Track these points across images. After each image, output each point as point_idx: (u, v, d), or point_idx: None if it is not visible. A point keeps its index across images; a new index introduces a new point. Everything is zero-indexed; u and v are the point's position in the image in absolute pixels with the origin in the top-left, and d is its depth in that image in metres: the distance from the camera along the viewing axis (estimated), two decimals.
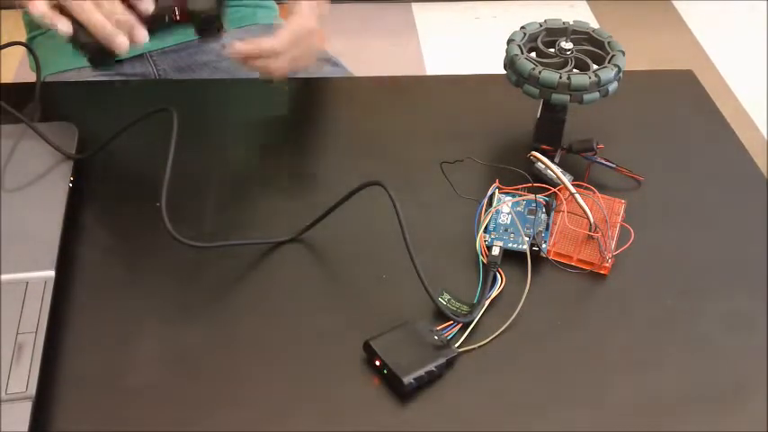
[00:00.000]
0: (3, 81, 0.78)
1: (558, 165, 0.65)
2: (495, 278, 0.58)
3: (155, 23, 0.64)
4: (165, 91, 0.82)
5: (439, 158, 0.68)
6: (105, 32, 0.61)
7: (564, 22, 0.70)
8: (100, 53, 0.62)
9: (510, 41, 0.69)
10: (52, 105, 0.73)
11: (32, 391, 0.49)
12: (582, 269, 0.60)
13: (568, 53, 0.67)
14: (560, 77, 0.64)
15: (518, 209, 0.63)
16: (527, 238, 0.60)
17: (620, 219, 0.63)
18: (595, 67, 0.66)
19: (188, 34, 0.85)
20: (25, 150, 0.66)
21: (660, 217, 0.66)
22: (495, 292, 0.57)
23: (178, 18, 0.65)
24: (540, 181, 0.65)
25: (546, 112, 0.69)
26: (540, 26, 0.70)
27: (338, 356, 0.54)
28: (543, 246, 0.60)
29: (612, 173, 0.68)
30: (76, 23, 0.61)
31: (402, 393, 0.51)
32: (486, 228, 0.61)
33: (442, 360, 0.52)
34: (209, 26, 0.67)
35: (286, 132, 0.74)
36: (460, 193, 0.66)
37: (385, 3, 2.34)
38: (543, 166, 0.65)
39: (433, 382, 0.52)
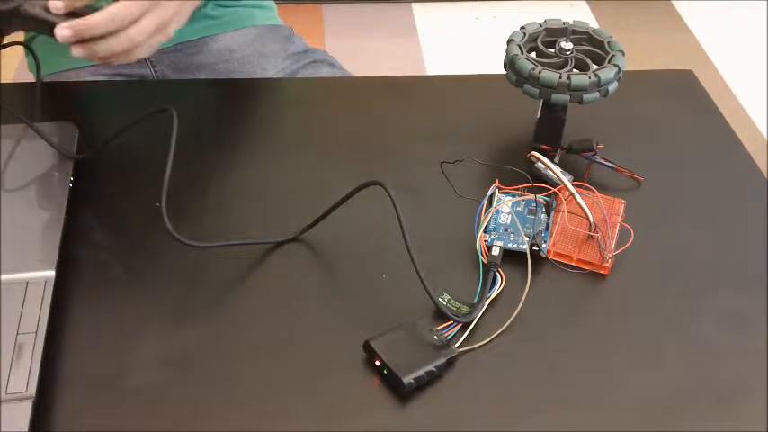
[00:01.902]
0: (3, 81, 0.78)
1: (558, 165, 0.65)
2: (495, 278, 0.58)
3: None
4: (165, 91, 0.82)
5: (439, 158, 0.68)
6: None
7: (564, 23, 0.70)
8: None
9: (510, 41, 0.69)
10: (52, 105, 0.73)
11: (32, 390, 0.49)
12: (582, 269, 0.60)
13: (568, 53, 0.67)
14: (560, 77, 0.64)
15: (518, 209, 0.63)
16: (527, 238, 0.60)
17: (619, 219, 0.63)
18: (595, 67, 0.67)
19: (184, 34, 0.85)
20: (25, 150, 0.66)
21: (660, 217, 0.66)
22: (495, 292, 0.58)
23: None
24: (540, 181, 0.65)
25: (546, 112, 0.69)
26: (540, 26, 0.70)
27: (338, 356, 0.54)
28: (543, 246, 0.60)
29: (612, 173, 0.68)
30: None
31: (402, 393, 0.51)
32: (486, 228, 0.61)
33: (441, 360, 0.53)
34: None
35: (286, 132, 0.74)
36: (460, 193, 0.66)
37: (385, 3, 2.34)
38: (543, 166, 0.65)
39: (433, 382, 0.52)
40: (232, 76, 0.93)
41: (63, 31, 0.59)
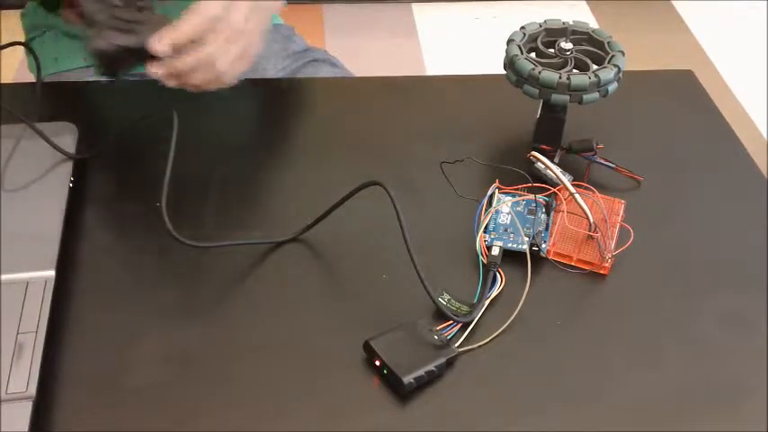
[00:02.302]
0: (3, 81, 0.78)
1: (558, 165, 0.65)
2: (494, 278, 0.58)
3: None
4: (165, 91, 0.82)
5: (439, 158, 0.68)
6: None
7: (563, 23, 0.70)
8: (111, 62, 0.64)
9: (510, 41, 0.69)
10: (52, 105, 0.73)
11: (33, 390, 0.49)
12: (582, 269, 0.60)
13: (568, 53, 0.67)
14: (560, 78, 0.64)
15: (518, 209, 0.63)
16: (527, 238, 0.60)
17: (619, 219, 0.63)
18: (595, 67, 0.67)
19: None
20: (25, 150, 0.66)
21: (660, 217, 0.66)
22: (494, 292, 0.58)
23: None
24: (540, 181, 0.65)
25: (546, 112, 0.69)
26: (540, 26, 0.70)
27: (338, 356, 0.54)
28: (543, 246, 0.60)
29: (612, 173, 0.68)
30: (89, 25, 0.62)
31: (402, 393, 0.51)
32: (486, 228, 0.61)
33: (441, 360, 0.53)
34: (110, 66, 0.64)
35: (286, 132, 0.74)
36: (460, 193, 0.66)
37: (385, 3, 2.34)
38: (543, 166, 0.65)
39: (433, 381, 0.53)
40: None
41: (156, 69, 0.64)
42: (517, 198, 0.64)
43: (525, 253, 0.59)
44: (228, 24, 0.65)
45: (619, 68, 0.66)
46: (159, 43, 0.62)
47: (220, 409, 0.51)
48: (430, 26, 2.26)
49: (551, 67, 0.66)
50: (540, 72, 0.65)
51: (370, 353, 0.53)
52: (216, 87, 0.67)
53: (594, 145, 0.67)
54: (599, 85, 0.65)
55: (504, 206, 0.63)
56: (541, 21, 0.71)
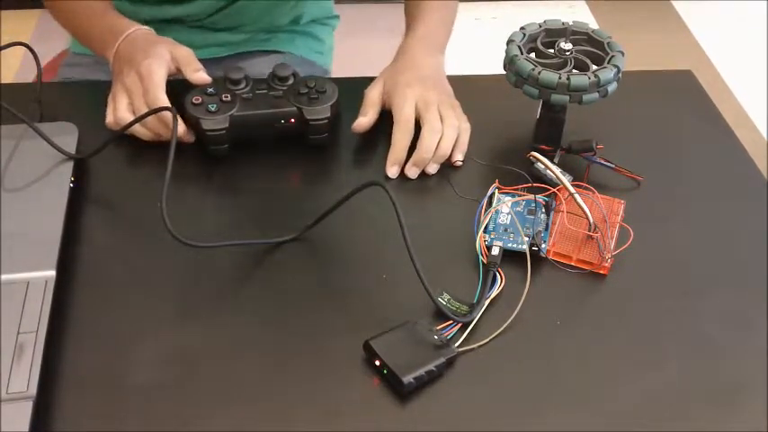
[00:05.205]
0: (3, 81, 0.78)
1: (558, 165, 0.65)
2: (494, 278, 0.58)
3: (270, 125, 0.69)
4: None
5: None
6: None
7: (563, 23, 0.70)
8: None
9: (510, 42, 0.69)
10: (52, 105, 0.73)
11: (33, 390, 0.49)
12: (581, 269, 0.60)
13: (568, 54, 0.67)
14: (560, 78, 0.64)
15: (518, 209, 0.63)
16: (527, 238, 0.60)
17: (619, 219, 0.63)
18: (595, 67, 0.67)
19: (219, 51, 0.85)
20: (26, 150, 0.66)
21: (659, 217, 0.66)
22: (494, 292, 0.58)
23: (292, 121, 0.69)
24: (540, 181, 0.65)
25: (546, 113, 0.69)
26: (540, 27, 0.70)
27: (338, 356, 0.54)
28: (543, 246, 0.60)
29: (612, 173, 0.68)
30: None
31: (402, 393, 0.51)
32: (485, 228, 0.61)
33: (441, 360, 0.53)
34: (320, 134, 0.69)
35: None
36: (460, 193, 0.66)
37: (385, 3, 2.34)
38: (543, 167, 0.65)
39: (433, 381, 0.53)
40: None
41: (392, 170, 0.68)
42: (517, 198, 0.64)
43: (525, 253, 0.59)
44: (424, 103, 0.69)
45: (618, 68, 0.66)
46: (391, 171, 0.67)
47: (220, 409, 0.51)
48: None
49: (551, 68, 0.66)
50: (539, 72, 0.65)
51: (370, 353, 0.53)
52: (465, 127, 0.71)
53: (594, 145, 0.67)
54: (599, 85, 0.65)
55: (504, 206, 0.63)
56: (541, 21, 0.71)
